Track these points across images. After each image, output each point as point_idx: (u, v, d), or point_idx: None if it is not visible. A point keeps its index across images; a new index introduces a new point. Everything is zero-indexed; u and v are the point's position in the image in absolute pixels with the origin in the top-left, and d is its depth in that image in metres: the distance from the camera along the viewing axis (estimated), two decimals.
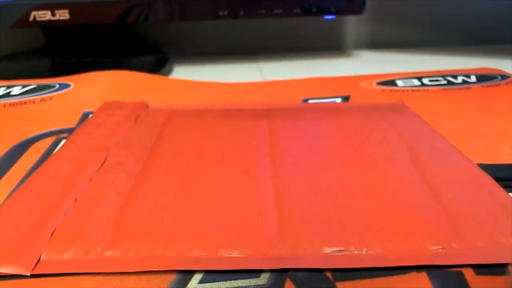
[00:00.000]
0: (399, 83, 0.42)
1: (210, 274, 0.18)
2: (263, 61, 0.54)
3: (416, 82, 0.42)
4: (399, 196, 0.22)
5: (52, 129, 0.33)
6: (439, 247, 0.18)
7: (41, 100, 0.38)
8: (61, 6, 0.44)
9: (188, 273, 0.18)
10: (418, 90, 0.40)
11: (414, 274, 0.18)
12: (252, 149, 0.28)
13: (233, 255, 0.18)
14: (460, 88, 0.40)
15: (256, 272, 0.18)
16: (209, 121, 0.32)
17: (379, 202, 0.22)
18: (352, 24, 0.60)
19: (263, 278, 0.18)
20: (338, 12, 0.47)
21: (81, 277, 0.18)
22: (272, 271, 0.18)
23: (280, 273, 0.18)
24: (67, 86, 0.41)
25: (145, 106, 0.35)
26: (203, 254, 0.18)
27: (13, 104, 0.37)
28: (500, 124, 0.32)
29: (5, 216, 0.21)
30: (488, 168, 0.25)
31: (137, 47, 0.55)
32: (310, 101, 0.37)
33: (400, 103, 0.36)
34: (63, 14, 0.44)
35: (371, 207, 0.21)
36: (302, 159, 0.26)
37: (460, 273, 0.18)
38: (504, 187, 0.23)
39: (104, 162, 0.26)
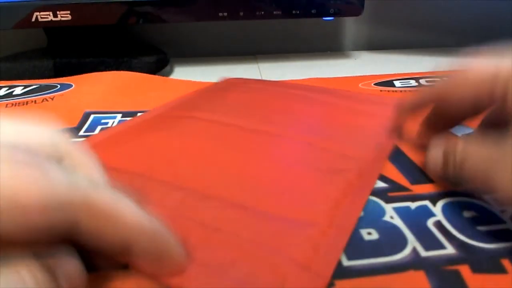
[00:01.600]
0: (397, 83, 0.42)
1: None
2: (263, 62, 0.54)
3: (413, 82, 0.42)
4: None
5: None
6: None
7: (43, 100, 0.38)
8: (63, 7, 0.44)
9: None
10: (416, 91, 0.40)
11: (411, 272, 0.18)
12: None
13: None
14: None
15: None
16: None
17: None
18: (350, 26, 0.60)
19: None
20: (336, 13, 0.47)
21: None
22: None
23: None
24: (69, 86, 0.41)
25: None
26: None
27: (15, 104, 0.38)
28: None
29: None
30: None
31: (138, 48, 0.55)
32: None
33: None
34: (65, 15, 0.44)
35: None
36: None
37: (457, 271, 0.18)
38: None
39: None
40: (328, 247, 0.19)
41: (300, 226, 0.20)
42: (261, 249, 0.19)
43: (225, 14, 0.46)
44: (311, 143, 0.29)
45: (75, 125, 0.34)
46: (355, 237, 0.20)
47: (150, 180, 0.24)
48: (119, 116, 0.35)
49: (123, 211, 0.14)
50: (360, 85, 0.42)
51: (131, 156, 0.27)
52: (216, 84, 0.42)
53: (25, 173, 0.12)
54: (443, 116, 0.26)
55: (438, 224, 0.21)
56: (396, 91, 0.40)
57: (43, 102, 0.38)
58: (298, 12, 0.47)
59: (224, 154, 0.27)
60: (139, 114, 0.35)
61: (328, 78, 0.45)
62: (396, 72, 0.46)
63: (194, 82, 0.44)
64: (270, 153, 0.28)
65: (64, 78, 0.44)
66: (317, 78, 0.45)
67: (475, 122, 0.29)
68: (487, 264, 0.18)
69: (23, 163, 0.13)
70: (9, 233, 0.12)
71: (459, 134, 0.30)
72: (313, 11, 0.47)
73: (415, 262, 0.19)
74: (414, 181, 0.25)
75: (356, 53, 0.59)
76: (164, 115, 0.34)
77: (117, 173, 0.23)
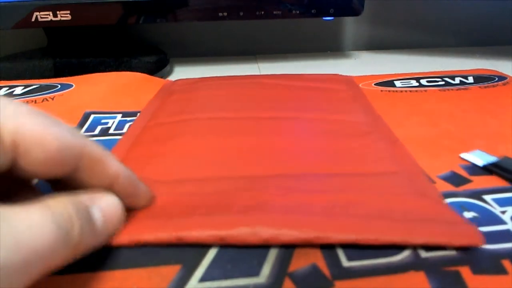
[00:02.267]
0: (397, 83, 0.42)
1: (210, 273, 0.18)
2: (263, 62, 0.54)
3: (414, 82, 0.42)
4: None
5: None
6: None
7: (43, 100, 0.38)
8: (63, 7, 0.44)
9: (188, 272, 0.18)
10: (416, 91, 0.40)
11: (412, 273, 0.18)
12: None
13: None
14: (457, 89, 0.40)
15: (255, 271, 0.18)
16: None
17: None
18: (350, 26, 0.60)
19: (263, 277, 0.18)
20: (336, 13, 0.47)
21: (81, 276, 0.18)
22: (271, 270, 0.18)
23: (279, 272, 0.18)
24: (69, 86, 0.41)
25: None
26: None
27: None
28: (497, 124, 0.32)
29: None
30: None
31: (138, 48, 0.55)
32: None
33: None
34: (65, 15, 0.44)
35: None
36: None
37: (458, 272, 0.18)
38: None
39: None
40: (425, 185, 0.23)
41: (387, 176, 0.24)
42: (365, 197, 0.22)
43: (225, 14, 0.46)
44: (323, 119, 0.31)
45: (75, 125, 0.34)
46: None
47: (214, 180, 0.24)
48: (119, 116, 0.35)
49: (109, 158, 0.19)
50: (360, 85, 0.42)
51: (171, 167, 0.26)
52: (170, 86, 0.41)
53: (47, 122, 0.16)
54: None
55: None
56: (396, 91, 0.40)
57: (43, 102, 0.38)
58: (298, 12, 0.47)
59: (260, 141, 0.28)
60: (139, 114, 0.35)
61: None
62: (396, 72, 0.46)
63: None
64: (300, 132, 0.29)
65: (64, 78, 0.44)
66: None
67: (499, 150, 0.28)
68: (487, 265, 0.18)
69: (44, 116, 0.17)
70: (35, 165, 0.16)
71: (481, 164, 0.27)
72: (313, 11, 0.47)
73: (415, 263, 0.18)
74: None
75: (356, 53, 0.59)
76: (163, 122, 0.33)
77: (167, 184, 0.24)
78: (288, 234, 0.19)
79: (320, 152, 0.27)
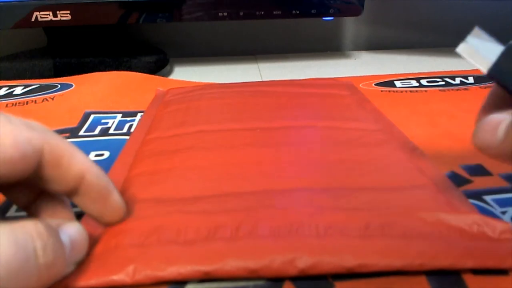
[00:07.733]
0: (398, 84, 0.42)
1: None
2: (263, 62, 0.54)
3: (414, 83, 0.42)
4: None
5: (53, 128, 0.33)
6: None
7: (43, 100, 0.38)
8: (62, 7, 0.44)
9: None
10: (416, 91, 0.40)
11: (412, 273, 0.18)
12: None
13: None
14: (458, 89, 0.40)
15: None
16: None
17: None
18: (350, 26, 0.60)
19: (263, 278, 0.18)
20: (336, 13, 0.47)
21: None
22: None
23: None
24: (69, 86, 0.41)
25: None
26: None
27: (15, 104, 0.38)
28: None
29: None
30: None
31: (138, 48, 0.55)
32: None
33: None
34: (64, 15, 0.44)
35: None
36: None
37: (458, 273, 0.18)
38: None
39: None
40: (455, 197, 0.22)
41: (416, 191, 0.22)
42: (399, 215, 0.20)
43: (225, 14, 0.46)
44: (337, 127, 0.30)
45: (75, 125, 0.34)
46: None
47: (229, 196, 0.22)
48: (119, 116, 0.35)
49: (75, 150, 0.17)
50: (360, 85, 0.42)
51: (179, 184, 0.24)
52: (163, 96, 0.38)
53: None
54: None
55: None
56: (397, 91, 0.40)
57: (43, 102, 0.38)
58: (298, 12, 0.47)
59: (275, 153, 0.27)
60: (139, 114, 0.35)
61: (329, 78, 0.45)
62: (396, 72, 0.46)
63: (194, 82, 0.44)
64: (315, 142, 0.28)
65: (64, 78, 0.44)
66: (316, 78, 0.45)
67: None
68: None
69: None
70: None
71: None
72: (313, 11, 0.47)
73: None
74: None
75: (356, 53, 0.59)
76: (164, 136, 0.30)
77: (184, 202, 0.22)
78: (328, 262, 0.17)
79: (340, 163, 0.25)
